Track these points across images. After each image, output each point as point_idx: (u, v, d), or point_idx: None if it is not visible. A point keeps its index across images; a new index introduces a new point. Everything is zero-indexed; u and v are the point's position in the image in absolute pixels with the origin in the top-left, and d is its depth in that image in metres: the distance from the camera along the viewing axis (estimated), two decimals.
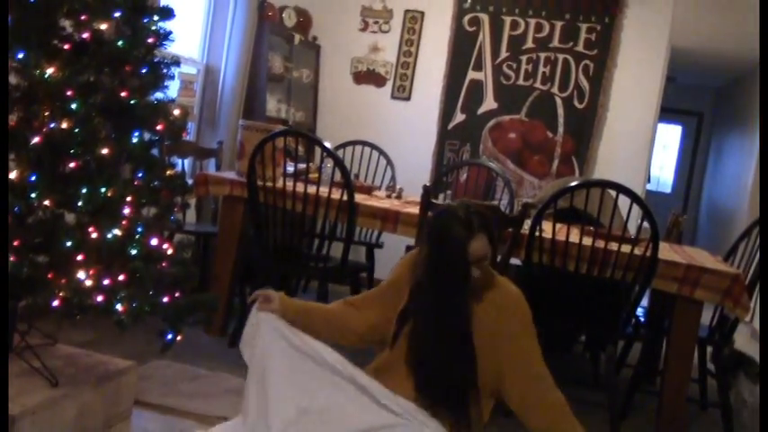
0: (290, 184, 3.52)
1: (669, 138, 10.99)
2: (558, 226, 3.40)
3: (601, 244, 3.21)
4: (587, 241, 3.23)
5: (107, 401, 2.53)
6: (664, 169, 11.09)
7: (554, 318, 3.37)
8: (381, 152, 5.35)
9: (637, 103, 5.70)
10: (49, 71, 2.18)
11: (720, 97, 10.18)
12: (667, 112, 8.05)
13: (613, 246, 3.20)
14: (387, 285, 2.45)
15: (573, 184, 3.31)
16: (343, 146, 5.32)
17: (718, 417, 3.49)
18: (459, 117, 5.92)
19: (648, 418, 3.45)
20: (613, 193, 3.28)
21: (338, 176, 3.57)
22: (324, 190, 3.53)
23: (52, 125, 2.18)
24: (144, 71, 2.45)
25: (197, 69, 5.09)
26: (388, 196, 4.15)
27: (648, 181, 6.45)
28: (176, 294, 2.57)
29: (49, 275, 2.24)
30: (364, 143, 5.39)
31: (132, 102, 2.37)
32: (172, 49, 2.59)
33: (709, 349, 3.64)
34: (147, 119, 2.42)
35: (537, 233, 3.23)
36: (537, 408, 2.23)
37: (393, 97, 6.10)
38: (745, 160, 7.56)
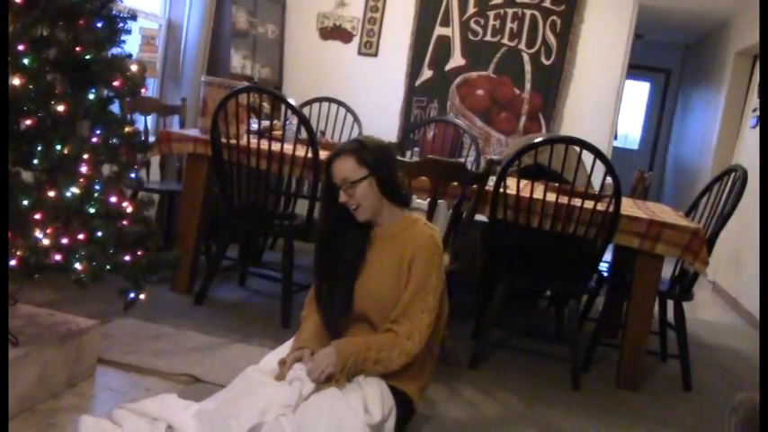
0: (254, 141, 3.48)
1: (637, 95, 11.04)
2: (523, 182, 3.42)
3: (564, 200, 3.24)
4: (551, 197, 3.25)
5: (69, 360, 2.52)
6: (631, 126, 11.16)
7: (519, 273, 3.41)
8: (348, 109, 5.31)
9: (604, 60, 5.71)
10: None
11: (688, 54, 10.22)
12: (635, 69, 8.07)
13: (576, 202, 3.23)
14: None
15: (537, 140, 3.32)
16: (310, 103, 5.27)
17: (678, 368, 3.58)
18: (427, 73, 5.89)
19: (609, 370, 3.53)
20: (577, 149, 3.30)
21: (304, 134, 3.54)
22: (288, 147, 3.50)
23: None
24: (99, 25, 2.39)
25: (159, 25, 4.98)
26: None
27: (615, 138, 6.50)
28: (138, 253, 2.56)
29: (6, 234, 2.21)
30: (331, 100, 5.35)
31: (87, 57, 2.32)
32: (132, 3, 2.53)
33: (670, 303, 3.71)
34: (104, 75, 2.36)
35: (501, 190, 3.24)
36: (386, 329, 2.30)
37: (360, 53, 6.05)
38: (709, 118, 7.63)
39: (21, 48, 2.15)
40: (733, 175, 3.53)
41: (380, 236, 2.38)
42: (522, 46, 5.68)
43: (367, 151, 2.29)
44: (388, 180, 2.32)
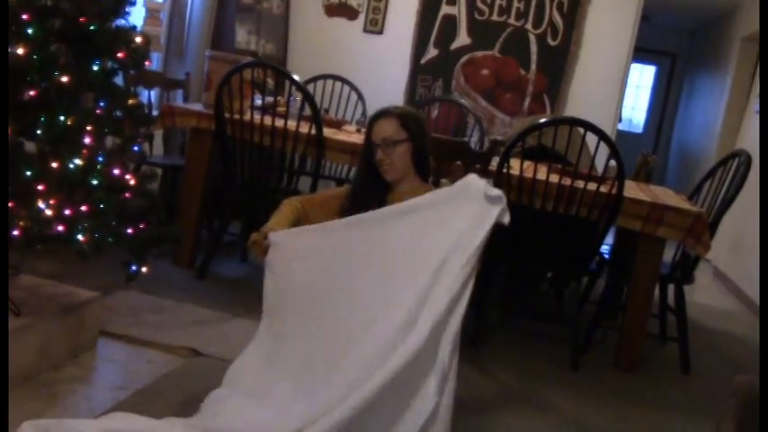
0: (257, 117, 3.47)
1: (643, 78, 10.99)
2: (527, 163, 3.41)
3: (567, 181, 3.23)
4: (554, 178, 3.24)
5: (71, 331, 2.54)
6: (636, 110, 11.12)
7: (520, 254, 3.41)
8: (353, 87, 5.29)
9: (610, 42, 5.68)
10: None
11: (694, 39, 10.15)
12: (642, 53, 8.02)
13: (580, 183, 3.22)
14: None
15: (541, 121, 3.30)
16: (314, 80, 5.24)
17: (676, 351, 3.59)
18: (432, 52, 5.86)
19: (609, 353, 3.54)
20: (581, 130, 3.28)
21: (308, 111, 3.53)
22: (292, 124, 3.49)
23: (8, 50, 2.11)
24: None
25: None
26: (358, 131, 4.12)
27: (620, 120, 6.47)
28: (141, 226, 2.55)
29: (9, 204, 2.21)
30: (335, 77, 5.32)
31: (92, 28, 2.30)
32: None
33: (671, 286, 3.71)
34: (108, 46, 2.35)
35: (504, 170, 3.23)
36: None
37: (365, 31, 6.01)
38: (714, 102, 7.59)
39: (25, 17, 2.14)
40: (737, 159, 3.52)
41: (394, 201, 2.44)
42: (529, 26, 5.65)
43: (410, 119, 2.48)
44: (421, 150, 2.51)
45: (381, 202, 2.46)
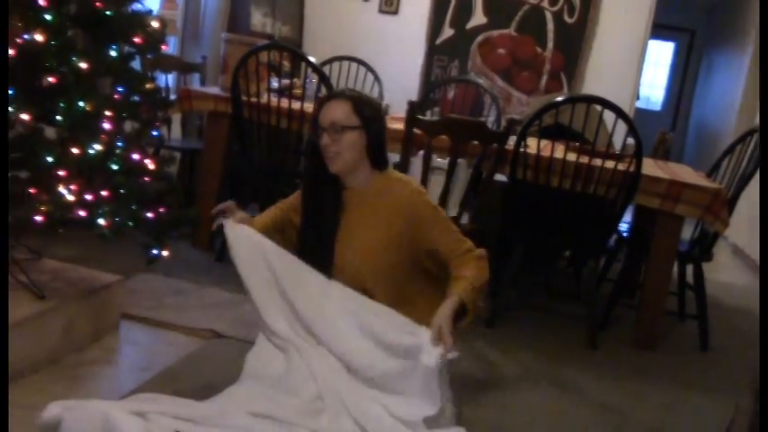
0: (274, 99, 3.48)
1: (661, 55, 10.87)
2: (544, 142, 3.40)
3: (585, 160, 3.22)
4: (571, 157, 3.23)
5: (94, 314, 2.57)
6: (654, 87, 11.01)
7: (538, 233, 3.41)
8: (369, 68, 5.28)
9: (628, 19, 5.62)
10: None
11: (713, 15, 10.02)
12: (660, 29, 7.93)
13: (597, 161, 3.21)
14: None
15: (558, 99, 3.29)
16: (330, 61, 5.24)
17: (695, 328, 3.58)
18: (448, 32, 5.83)
19: (627, 330, 3.54)
20: (599, 108, 3.27)
21: (324, 92, 3.54)
22: (308, 106, 3.50)
23: (26, 37, 2.13)
24: None
25: None
26: None
27: (638, 98, 6.42)
28: (160, 209, 2.58)
29: (32, 190, 2.24)
30: (351, 59, 5.31)
31: (108, 12, 2.32)
32: None
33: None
34: (124, 31, 2.37)
35: (522, 149, 3.23)
36: (466, 264, 2.29)
37: (380, 11, 5.99)
38: (733, 78, 7.50)
39: (42, 3, 2.15)
40: (755, 136, 3.49)
41: (356, 202, 2.33)
42: (545, 4, 5.60)
43: (365, 104, 2.26)
44: (377, 140, 2.28)
45: (337, 202, 2.33)
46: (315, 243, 2.35)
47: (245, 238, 2.30)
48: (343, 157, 2.23)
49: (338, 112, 2.22)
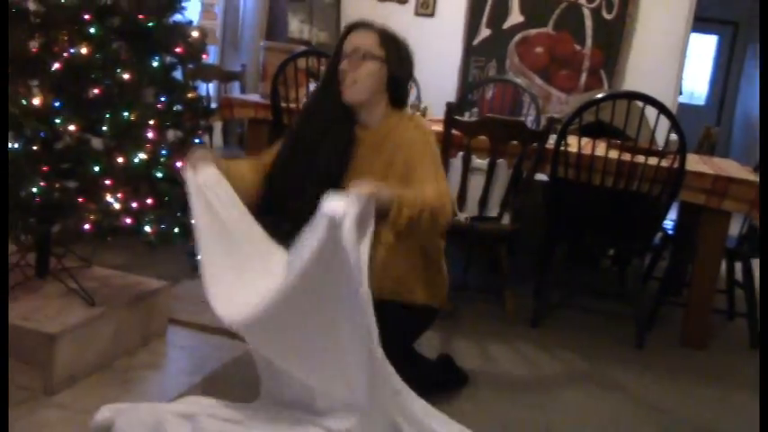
0: None
1: (703, 49, 10.68)
2: (585, 140, 3.37)
3: (627, 157, 3.18)
4: (613, 154, 3.20)
5: (142, 320, 2.63)
6: (697, 81, 10.82)
7: (581, 232, 3.38)
8: None
9: (668, 13, 5.53)
10: None
11: (756, 6, 9.81)
12: (701, 22, 7.79)
13: (640, 158, 3.17)
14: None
15: (598, 96, 3.26)
16: None
17: (745, 326, 3.51)
18: (485, 32, 5.80)
19: (674, 329, 3.48)
20: (640, 104, 3.23)
21: None
22: None
23: (72, 50, 2.19)
24: None
25: None
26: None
27: (680, 93, 6.31)
28: None
29: (79, 200, 2.30)
30: None
31: (150, 24, 2.37)
32: None
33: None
34: (166, 42, 2.42)
35: (562, 148, 3.21)
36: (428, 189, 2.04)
37: (417, 14, 5.99)
38: None
39: (87, 17, 2.21)
40: None
41: (367, 141, 2.21)
42: (583, 0, 5.55)
43: (391, 40, 2.20)
44: (398, 76, 2.20)
45: (350, 137, 2.17)
46: (317, 177, 2.15)
47: (206, 188, 2.04)
48: (360, 86, 2.14)
49: (366, 40, 2.16)
